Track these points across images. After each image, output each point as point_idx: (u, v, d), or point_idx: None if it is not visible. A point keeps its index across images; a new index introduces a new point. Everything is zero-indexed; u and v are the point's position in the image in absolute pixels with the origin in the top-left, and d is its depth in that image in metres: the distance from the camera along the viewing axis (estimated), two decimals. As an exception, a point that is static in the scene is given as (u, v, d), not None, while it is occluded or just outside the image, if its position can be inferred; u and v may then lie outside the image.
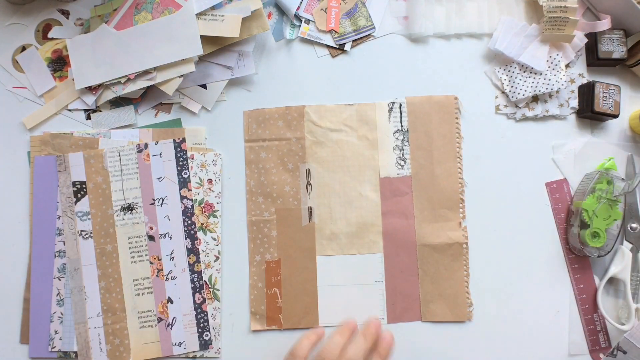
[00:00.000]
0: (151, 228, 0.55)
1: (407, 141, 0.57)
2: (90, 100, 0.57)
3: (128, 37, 0.56)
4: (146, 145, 0.56)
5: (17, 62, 0.59)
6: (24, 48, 0.59)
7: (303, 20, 0.60)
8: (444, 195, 0.57)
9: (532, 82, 0.58)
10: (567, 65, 0.60)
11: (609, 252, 0.55)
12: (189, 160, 0.56)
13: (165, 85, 0.55)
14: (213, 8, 0.56)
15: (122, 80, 0.56)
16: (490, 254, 0.57)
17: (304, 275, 0.56)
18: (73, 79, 0.56)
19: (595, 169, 0.58)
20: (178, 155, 0.56)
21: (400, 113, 0.58)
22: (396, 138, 0.57)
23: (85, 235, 0.55)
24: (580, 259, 0.57)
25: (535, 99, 0.59)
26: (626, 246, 0.56)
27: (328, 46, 0.60)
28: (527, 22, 0.59)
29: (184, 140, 0.57)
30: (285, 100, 0.59)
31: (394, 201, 0.56)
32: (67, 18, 0.59)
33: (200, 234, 0.56)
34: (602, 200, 0.54)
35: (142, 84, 0.56)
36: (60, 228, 0.55)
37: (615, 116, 0.57)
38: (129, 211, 0.55)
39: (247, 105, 0.59)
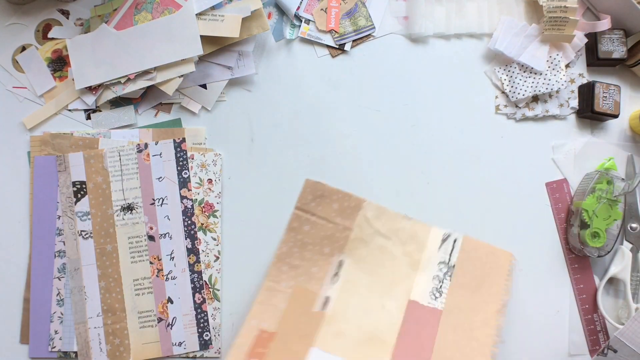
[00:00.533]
0: (151, 228, 0.55)
1: (450, 276, 0.54)
2: (90, 100, 0.57)
3: (128, 37, 0.56)
4: (146, 145, 0.56)
5: (17, 62, 0.58)
6: (24, 48, 0.59)
7: (303, 20, 0.60)
8: (471, 344, 0.51)
9: (532, 82, 0.58)
10: (567, 65, 0.60)
11: (609, 252, 0.55)
12: (189, 160, 0.56)
13: (165, 85, 0.55)
14: (213, 8, 0.56)
15: (122, 80, 0.56)
16: (490, 254, 0.57)
17: (289, 359, 0.50)
18: (73, 79, 0.56)
19: (595, 169, 0.58)
20: (178, 155, 0.56)
21: (453, 247, 0.55)
22: (440, 269, 0.54)
23: (85, 235, 0.55)
24: (580, 259, 0.57)
25: (535, 99, 0.59)
26: (626, 246, 0.56)
27: (328, 46, 0.60)
28: (527, 22, 0.59)
29: (184, 140, 0.57)
30: (286, 100, 0.59)
31: (416, 328, 0.52)
32: (67, 18, 0.59)
33: (200, 234, 0.56)
34: (602, 200, 0.54)
35: (142, 84, 0.56)
36: (60, 228, 0.55)
37: (615, 116, 0.57)
38: (129, 211, 0.55)
39: (247, 105, 0.59)
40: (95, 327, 0.54)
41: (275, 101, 0.59)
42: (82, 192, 0.55)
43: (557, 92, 0.59)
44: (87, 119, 0.58)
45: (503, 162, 0.59)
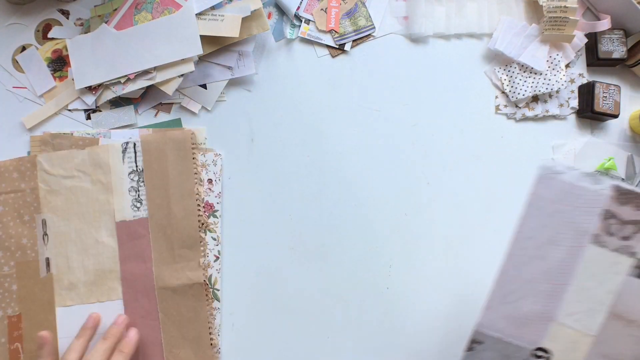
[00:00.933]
0: None
1: (143, 182, 0.55)
2: (90, 100, 0.57)
3: (128, 37, 0.56)
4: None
5: (17, 62, 0.58)
6: (24, 48, 0.59)
7: (303, 20, 0.60)
8: (182, 234, 0.54)
9: (532, 82, 0.58)
10: (567, 65, 0.60)
11: (609, 252, 0.55)
12: None
13: (165, 85, 0.55)
14: (213, 8, 0.56)
15: (122, 80, 0.56)
16: (490, 254, 0.57)
17: (45, 328, 0.53)
18: (73, 79, 0.56)
19: (595, 169, 0.58)
20: None
21: (135, 153, 0.55)
22: (131, 179, 0.55)
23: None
24: (580, 259, 0.57)
25: (535, 99, 0.59)
26: (626, 246, 0.56)
27: (328, 46, 0.60)
28: (527, 22, 0.59)
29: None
30: (286, 100, 0.59)
31: (132, 245, 0.54)
32: (67, 18, 0.59)
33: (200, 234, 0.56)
34: (602, 200, 0.54)
35: (142, 84, 0.56)
36: None
37: (615, 116, 0.57)
38: None
39: (247, 105, 0.59)
40: None
41: (275, 101, 0.59)
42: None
43: (557, 92, 0.59)
44: (87, 119, 0.58)
45: (503, 162, 0.59)
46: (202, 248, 0.55)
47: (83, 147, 0.56)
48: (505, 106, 0.59)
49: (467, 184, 0.58)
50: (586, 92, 0.58)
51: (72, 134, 0.57)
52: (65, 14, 0.59)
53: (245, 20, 0.55)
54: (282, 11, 0.60)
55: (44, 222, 0.55)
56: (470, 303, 0.57)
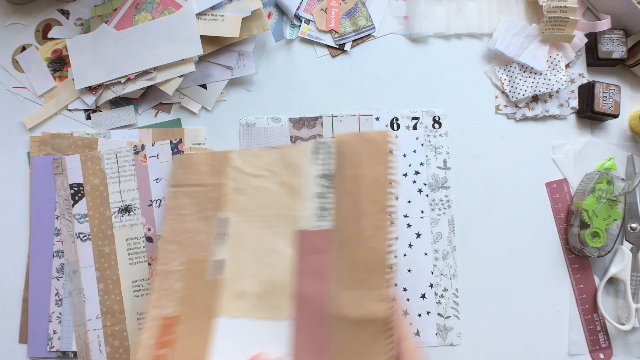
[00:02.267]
0: (149, 229, 0.55)
1: (333, 187, 0.47)
2: (90, 100, 0.57)
3: (128, 37, 0.56)
4: (143, 147, 0.56)
5: (17, 62, 0.58)
6: (24, 48, 0.59)
7: (303, 20, 0.60)
8: (369, 255, 0.44)
9: (532, 82, 0.58)
10: (567, 65, 0.60)
11: (609, 252, 0.55)
12: None
13: (165, 85, 0.55)
14: (213, 8, 0.56)
15: (122, 80, 0.56)
16: (490, 253, 0.57)
17: (197, 339, 0.46)
18: (73, 79, 0.56)
19: (595, 169, 0.58)
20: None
21: (328, 155, 0.48)
22: (319, 184, 0.48)
23: (83, 237, 0.55)
24: (580, 259, 0.57)
25: (535, 99, 0.59)
26: (626, 246, 0.56)
27: (328, 46, 0.60)
28: (527, 22, 0.59)
29: (180, 141, 0.57)
30: (286, 100, 0.59)
31: (310, 259, 0.46)
32: (67, 18, 0.59)
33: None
34: (602, 200, 0.54)
35: (142, 84, 0.56)
36: (58, 228, 0.55)
37: (615, 116, 0.57)
38: (127, 213, 0.55)
39: (247, 105, 0.59)
40: (94, 329, 0.54)
41: (275, 101, 0.59)
42: (79, 195, 0.55)
43: (557, 92, 0.59)
44: (87, 119, 0.58)
45: (503, 162, 0.59)
46: (389, 275, 0.43)
47: (82, 148, 0.55)
48: (505, 106, 0.59)
49: (467, 184, 0.58)
50: (586, 92, 0.58)
51: (71, 134, 0.57)
52: (65, 14, 0.59)
53: (245, 20, 0.55)
54: (282, 11, 0.60)
55: (224, 221, 0.50)
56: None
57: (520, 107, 0.59)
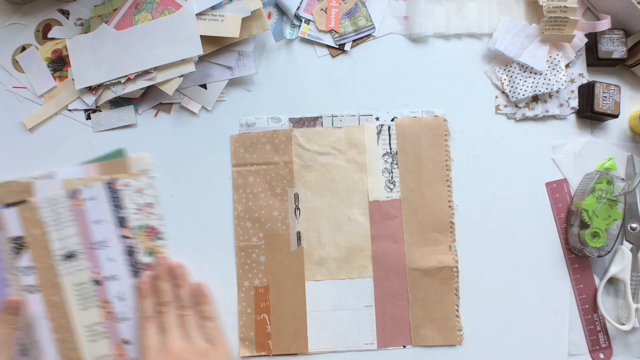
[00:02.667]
0: (95, 272, 0.54)
1: (396, 164, 0.57)
2: (90, 100, 0.57)
3: (128, 37, 0.56)
4: (76, 192, 0.55)
5: (17, 62, 0.58)
6: (24, 48, 0.59)
7: (303, 20, 0.60)
8: (433, 218, 0.56)
9: (532, 82, 0.58)
10: (567, 65, 0.60)
11: (609, 252, 0.55)
12: (124, 195, 0.55)
13: (165, 85, 0.55)
14: (213, 8, 0.56)
15: (122, 80, 0.56)
16: (490, 253, 0.57)
17: (293, 301, 0.55)
18: (73, 79, 0.56)
19: (595, 169, 0.58)
20: (111, 195, 0.55)
21: (389, 135, 0.57)
22: (385, 161, 0.57)
23: (32, 289, 0.53)
24: (580, 259, 0.57)
25: (535, 99, 0.59)
26: (626, 246, 0.56)
27: (328, 46, 0.60)
28: (527, 22, 0.59)
29: (114, 180, 0.55)
30: (286, 100, 0.59)
31: (383, 225, 0.56)
32: (67, 18, 0.59)
33: (146, 258, 0.55)
34: (602, 200, 0.54)
35: (142, 84, 0.56)
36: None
37: (615, 116, 0.57)
38: (71, 259, 0.54)
39: (247, 105, 0.59)
40: None
41: (275, 101, 0.59)
42: (21, 247, 0.54)
43: (557, 92, 0.59)
44: (87, 119, 0.58)
45: (503, 162, 0.59)
46: (451, 233, 0.56)
47: (20, 194, 0.54)
48: (505, 106, 0.59)
49: (467, 184, 0.58)
50: (586, 92, 0.58)
51: (9, 182, 0.54)
52: (65, 14, 0.59)
53: (245, 20, 0.55)
54: (282, 11, 0.60)
55: (296, 196, 0.56)
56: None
57: (520, 107, 0.59)
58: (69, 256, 0.54)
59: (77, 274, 0.54)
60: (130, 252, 0.55)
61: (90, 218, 0.55)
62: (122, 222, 0.55)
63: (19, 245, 0.54)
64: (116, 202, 0.55)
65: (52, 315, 0.54)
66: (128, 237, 0.55)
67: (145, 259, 0.55)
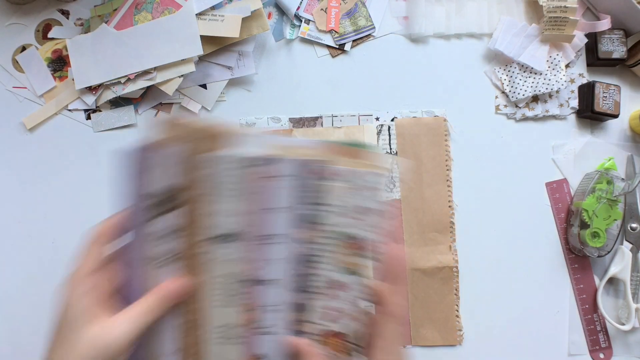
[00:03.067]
0: (252, 269, 0.39)
1: (396, 164, 0.57)
2: (90, 100, 0.57)
3: (128, 37, 0.56)
4: (269, 161, 0.36)
5: (17, 62, 0.58)
6: (24, 48, 0.59)
7: (303, 20, 0.60)
8: (433, 218, 0.56)
9: (532, 82, 0.58)
10: (567, 65, 0.60)
11: (609, 252, 0.55)
12: (334, 185, 0.37)
13: (165, 85, 0.55)
14: (213, 8, 0.56)
15: (122, 80, 0.56)
16: (490, 253, 0.57)
17: None
18: (73, 79, 0.56)
19: (595, 169, 0.58)
20: (311, 182, 0.37)
21: (389, 135, 0.57)
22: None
23: (164, 261, 0.38)
24: (580, 259, 0.57)
25: (535, 99, 0.59)
26: (626, 246, 0.56)
27: (328, 46, 0.60)
28: (527, 22, 0.59)
29: (327, 162, 0.36)
30: (286, 100, 0.59)
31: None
32: (67, 18, 0.59)
33: (345, 277, 0.38)
34: (602, 200, 0.54)
35: (142, 84, 0.56)
36: None
37: (615, 116, 0.57)
38: (227, 240, 0.38)
39: (247, 105, 0.59)
40: None
41: (275, 101, 0.59)
42: (168, 205, 0.37)
43: (557, 92, 0.59)
44: (87, 119, 0.58)
45: (503, 162, 0.59)
46: (451, 233, 0.56)
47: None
48: (505, 106, 0.59)
49: (467, 184, 0.58)
50: (586, 92, 0.58)
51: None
52: (65, 14, 0.59)
53: (245, 20, 0.55)
54: (282, 11, 0.60)
55: None
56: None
57: (520, 107, 0.59)
58: (225, 237, 0.38)
59: (227, 263, 0.38)
60: (306, 261, 0.38)
61: (270, 202, 0.37)
62: (310, 219, 0.38)
63: (165, 202, 0.37)
64: (315, 192, 0.37)
65: (182, 306, 0.38)
66: (310, 242, 0.38)
67: (339, 276, 0.39)
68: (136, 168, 0.36)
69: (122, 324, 0.33)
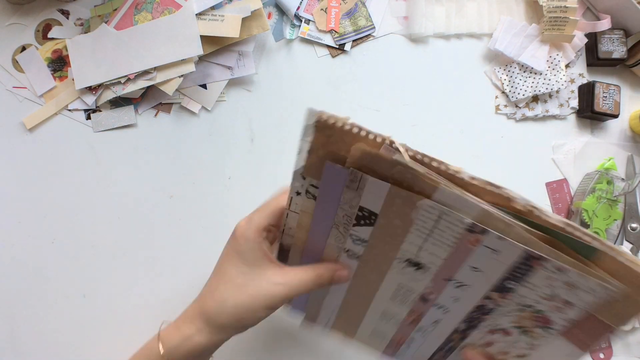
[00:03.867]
0: (430, 292, 0.41)
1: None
2: (90, 100, 0.57)
3: (128, 37, 0.56)
4: (484, 232, 0.34)
5: (17, 62, 0.58)
6: (24, 48, 0.59)
7: (303, 20, 0.60)
8: None
9: (532, 82, 0.58)
10: (567, 65, 0.60)
11: (609, 252, 0.55)
12: (530, 275, 0.35)
13: (165, 85, 0.55)
14: (213, 8, 0.56)
15: (122, 80, 0.56)
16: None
17: None
18: (73, 79, 0.56)
19: (595, 169, 0.58)
20: (519, 266, 0.35)
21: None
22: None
23: (351, 255, 0.41)
24: (580, 259, 0.57)
25: (535, 99, 0.59)
26: (626, 246, 0.56)
27: (328, 46, 0.60)
28: (527, 22, 0.59)
29: (541, 257, 0.33)
30: (286, 100, 0.59)
31: None
32: (67, 18, 0.59)
33: (514, 330, 0.40)
34: (602, 200, 0.54)
35: (142, 84, 0.56)
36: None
37: (615, 116, 0.57)
38: (415, 267, 0.40)
39: (247, 106, 0.59)
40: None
41: (275, 101, 0.59)
42: (367, 221, 0.39)
43: (557, 92, 0.59)
44: (87, 119, 0.58)
45: (503, 162, 0.59)
46: None
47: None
48: (505, 106, 0.59)
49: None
50: (586, 92, 0.58)
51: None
52: (65, 14, 0.59)
53: (245, 20, 0.55)
54: (282, 11, 0.60)
55: None
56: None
57: (520, 107, 0.59)
58: (414, 264, 0.40)
59: (410, 279, 0.41)
60: (484, 310, 0.40)
61: (471, 262, 0.37)
62: (502, 289, 0.38)
63: (366, 218, 0.39)
64: (517, 273, 0.36)
65: (356, 285, 0.43)
66: (492, 300, 0.39)
67: (508, 326, 0.40)
68: (348, 185, 0.37)
69: (298, 273, 0.39)
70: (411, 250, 0.39)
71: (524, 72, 0.58)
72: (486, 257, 0.37)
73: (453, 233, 0.36)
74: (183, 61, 0.55)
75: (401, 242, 0.39)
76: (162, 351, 0.38)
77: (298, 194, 0.39)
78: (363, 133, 0.31)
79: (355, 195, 0.38)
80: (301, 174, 0.38)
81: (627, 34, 0.59)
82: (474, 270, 0.38)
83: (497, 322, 0.40)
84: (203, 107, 0.58)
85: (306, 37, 0.59)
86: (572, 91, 0.59)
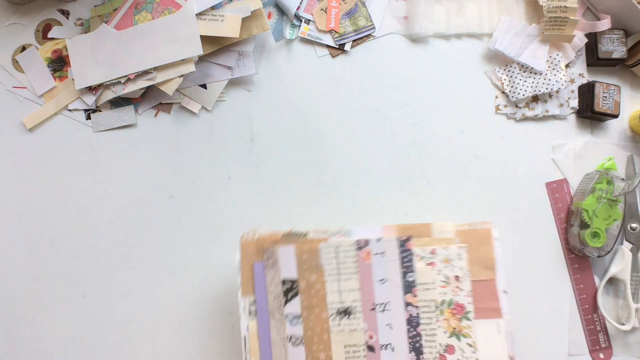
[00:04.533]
0: (370, 337, 0.47)
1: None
2: (90, 100, 0.57)
3: (128, 37, 0.56)
4: (367, 243, 0.47)
5: (17, 62, 0.58)
6: (24, 48, 0.59)
7: (303, 20, 0.60)
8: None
9: (532, 82, 0.58)
10: (567, 65, 0.60)
11: (609, 252, 0.55)
12: (414, 260, 0.47)
13: (165, 85, 0.55)
14: (213, 8, 0.56)
15: (122, 80, 0.56)
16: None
17: None
18: (73, 79, 0.56)
19: (595, 169, 0.58)
20: (402, 255, 0.47)
21: None
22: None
23: (295, 341, 0.46)
24: (580, 259, 0.57)
25: (535, 99, 0.59)
26: (626, 246, 0.56)
27: (328, 46, 0.60)
28: (527, 22, 0.59)
29: (409, 238, 0.47)
30: (286, 100, 0.59)
31: None
32: (67, 18, 0.59)
33: (453, 340, 0.47)
34: (602, 200, 0.54)
35: (142, 84, 0.56)
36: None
37: (615, 116, 0.57)
38: (346, 316, 0.47)
39: (247, 105, 0.59)
40: None
41: (275, 101, 0.59)
42: (293, 292, 0.47)
43: (557, 92, 0.59)
44: (87, 119, 0.58)
45: (503, 162, 0.59)
46: None
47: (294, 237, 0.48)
48: (505, 106, 0.59)
49: (467, 184, 0.58)
50: (586, 92, 0.58)
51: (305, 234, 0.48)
52: (65, 14, 0.59)
53: (245, 20, 0.55)
54: (282, 11, 0.60)
55: None
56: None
57: (520, 107, 0.59)
58: (344, 312, 0.47)
59: (349, 334, 0.47)
60: (413, 323, 0.47)
61: (375, 276, 0.47)
62: (409, 287, 0.47)
63: (290, 290, 0.47)
64: (406, 263, 0.47)
65: None
66: (412, 305, 0.47)
67: (446, 339, 0.47)
68: (267, 265, 0.47)
69: None
70: (335, 299, 0.47)
71: (524, 72, 0.58)
72: (381, 264, 0.47)
73: (351, 259, 0.47)
74: (183, 61, 0.55)
75: (325, 295, 0.47)
76: None
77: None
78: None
79: (275, 271, 0.47)
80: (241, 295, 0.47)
81: (627, 34, 0.59)
82: (382, 282, 0.47)
83: (433, 334, 0.47)
84: (203, 107, 0.58)
85: (306, 37, 0.59)
86: (572, 91, 0.59)
